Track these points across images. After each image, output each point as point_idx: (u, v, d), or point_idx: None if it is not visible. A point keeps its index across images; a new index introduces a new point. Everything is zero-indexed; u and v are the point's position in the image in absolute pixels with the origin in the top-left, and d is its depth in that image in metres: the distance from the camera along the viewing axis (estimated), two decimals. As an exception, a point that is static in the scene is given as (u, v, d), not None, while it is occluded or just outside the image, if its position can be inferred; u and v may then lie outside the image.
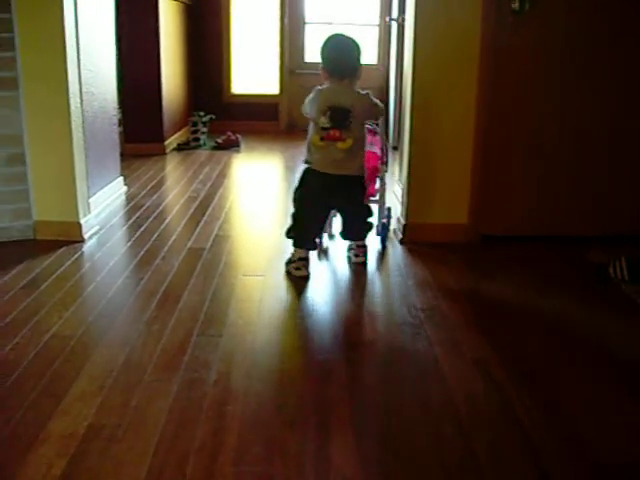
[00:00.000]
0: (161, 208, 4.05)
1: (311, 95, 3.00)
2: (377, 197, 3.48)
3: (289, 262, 3.07)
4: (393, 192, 4.45)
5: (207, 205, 4.12)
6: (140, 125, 5.47)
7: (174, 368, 2.15)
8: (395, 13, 6.17)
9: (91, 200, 3.59)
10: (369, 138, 3.25)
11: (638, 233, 3.46)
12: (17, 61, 3.17)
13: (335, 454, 1.73)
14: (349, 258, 3.24)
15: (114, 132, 4.21)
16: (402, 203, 3.60)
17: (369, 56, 7.18)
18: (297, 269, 3.02)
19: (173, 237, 3.51)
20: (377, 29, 7.18)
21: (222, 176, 5.01)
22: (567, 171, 3.51)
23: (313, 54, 7.19)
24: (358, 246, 3.20)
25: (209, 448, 1.74)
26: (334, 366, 2.20)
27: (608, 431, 1.88)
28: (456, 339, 2.43)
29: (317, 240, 3.26)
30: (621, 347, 2.42)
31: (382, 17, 7.10)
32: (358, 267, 3.15)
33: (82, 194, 3.43)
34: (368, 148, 3.18)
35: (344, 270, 3.13)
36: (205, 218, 3.84)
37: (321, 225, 3.23)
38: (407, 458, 1.74)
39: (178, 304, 2.65)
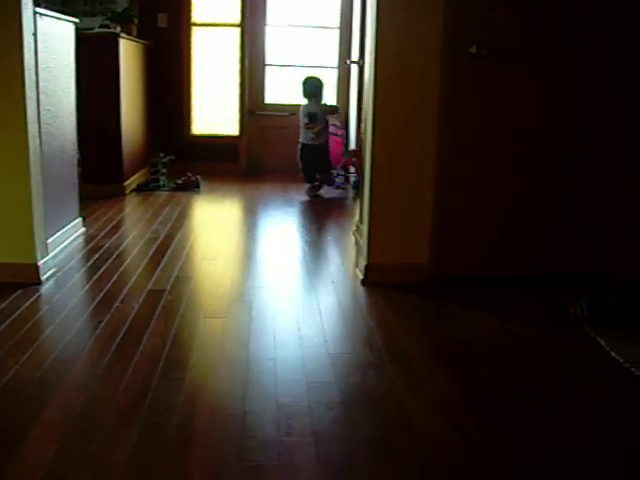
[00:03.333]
0: (120, 249, 4.00)
1: (300, 110, 6.10)
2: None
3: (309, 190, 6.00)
4: (353, 233, 4.47)
5: (167, 246, 4.08)
6: (99, 166, 5.41)
7: (135, 413, 2.11)
8: (355, 56, 6.29)
9: (49, 241, 3.53)
10: (340, 131, 6.39)
11: (595, 272, 3.52)
12: (-25, 101, 3.14)
13: (301, 500, 1.70)
14: (318, 186, 6.02)
15: (73, 172, 4.17)
16: (363, 244, 3.61)
17: (329, 97, 7.25)
18: (311, 194, 5.95)
19: (133, 279, 3.47)
20: (336, 71, 7.25)
21: (182, 217, 4.98)
22: (526, 211, 3.56)
23: (274, 95, 7.24)
24: (315, 185, 6.01)
25: (171, 496, 1.69)
26: (297, 410, 2.17)
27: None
28: (420, 380, 2.43)
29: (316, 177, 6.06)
30: (580, 381, 2.44)
31: (341, 60, 7.19)
32: (321, 309, 3.14)
33: (39, 235, 3.37)
34: (337, 137, 6.32)
35: (305, 312, 3.11)
36: (165, 259, 3.80)
37: (312, 167, 6.03)
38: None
39: (139, 347, 2.60)
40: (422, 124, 3.42)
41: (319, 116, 6.02)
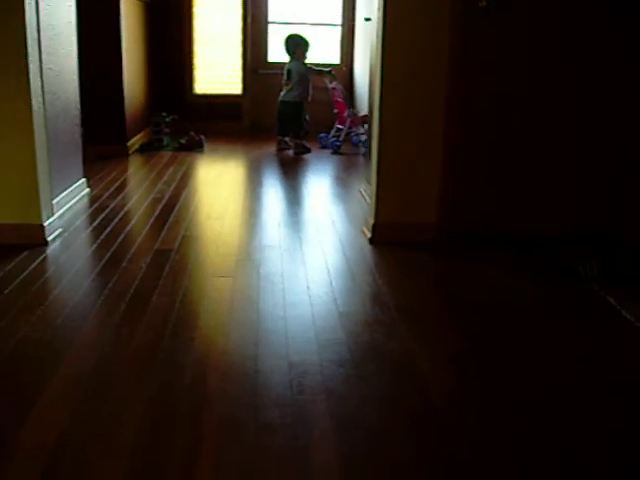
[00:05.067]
0: (126, 209, 3.98)
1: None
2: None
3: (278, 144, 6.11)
4: (360, 191, 4.44)
5: (172, 206, 4.06)
6: (102, 126, 5.37)
7: (146, 372, 2.11)
8: (362, 13, 6.18)
9: (54, 202, 3.51)
10: (339, 93, 6.29)
11: (606, 232, 3.50)
12: (-24, 59, 3.09)
13: (316, 453, 1.70)
14: (285, 142, 6.11)
15: (76, 133, 4.13)
16: (371, 203, 3.58)
17: (332, 56, 7.17)
18: (279, 147, 6.06)
19: (139, 239, 3.45)
20: (339, 29, 7.16)
21: (186, 177, 4.95)
22: (536, 170, 3.53)
23: (276, 54, 7.14)
24: (291, 140, 6.10)
25: (186, 456, 1.69)
26: (309, 368, 2.17)
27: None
28: (429, 335, 2.43)
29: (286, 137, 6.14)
30: (589, 338, 2.44)
31: (345, 17, 7.09)
32: (330, 268, 3.13)
33: (45, 196, 3.35)
34: (338, 99, 6.31)
35: (314, 271, 3.10)
36: (171, 219, 3.78)
37: (284, 122, 6.08)
38: (386, 453, 1.72)
39: (148, 307, 2.59)
40: (431, 82, 3.37)
41: (294, 74, 5.98)
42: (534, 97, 3.46)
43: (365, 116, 6.04)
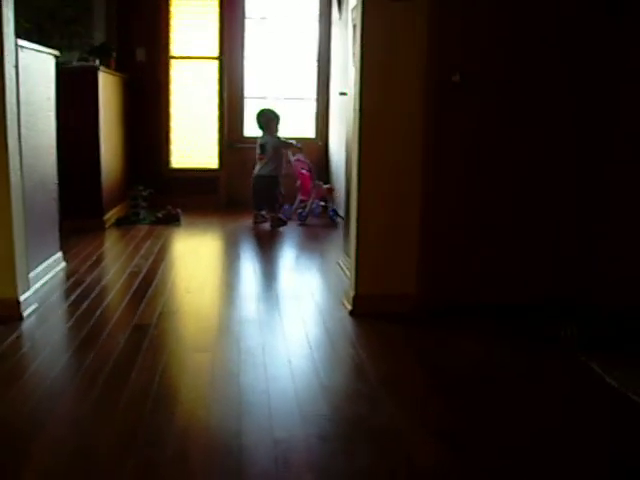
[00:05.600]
0: (103, 284, 3.93)
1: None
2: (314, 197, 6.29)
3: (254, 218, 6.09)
4: (338, 263, 4.44)
5: (150, 280, 4.02)
6: (78, 200, 5.34)
7: (128, 448, 2.04)
8: (337, 88, 6.30)
9: (30, 276, 3.46)
10: (306, 166, 6.34)
11: (585, 298, 3.51)
12: (-45, 134, 3.08)
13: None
14: (262, 216, 6.08)
15: (53, 206, 4.11)
16: (350, 275, 3.58)
17: (307, 130, 7.26)
18: (255, 221, 6.03)
19: (117, 314, 3.40)
20: (314, 104, 7.27)
21: (163, 251, 4.93)
22: (513, 242, 3.56)
23: (252, 128, 7.22)
24: (267, 213, 6.06)
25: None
26: (294, 443, 2.12)
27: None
28: (416, 410, 2.39)
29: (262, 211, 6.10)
30: (578, 407, 2.41)
31: (320, 92, 7.21)
32: (311, 341, 3.10)
33: (21, 270, 3.30)
34: (304, 172, 6.34)
35: (295, 344, 3.07)
36: (149, 294, 3.73)
37: (260, 197, 6.05)
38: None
39: (127, 382, 2.53)
40: (407, 154, 3.42)
41: (268, 148, 6.03)
42: (509, 170, 3.51)
43: (329, 189, 6.44)
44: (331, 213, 6.32)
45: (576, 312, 3.33)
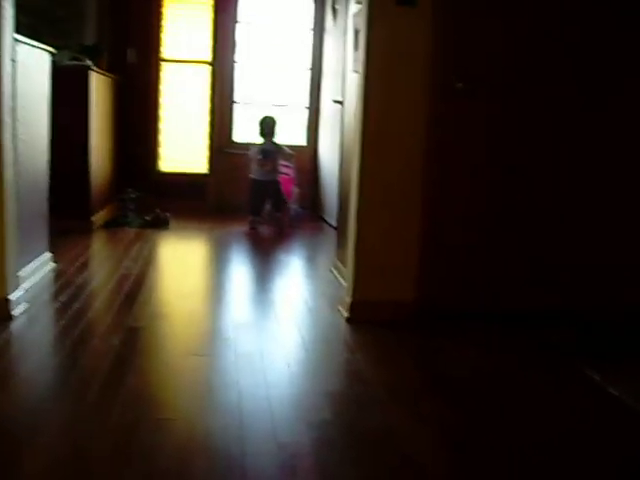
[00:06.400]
0: (93, 285, 3.86)
1: (254, 148, 6.26)
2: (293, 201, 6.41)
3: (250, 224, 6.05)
4: (331, 270, 4.39)
5: (141, 283, 3.94)
6: (66, 200, 5.23)
7: (127, 456, 1.97)
8: (328, 95, 6.28)
9: (19, 275, 3.37)
10: (287, 170, 6.42)
11: (588, 308, 3.49)
12: (-51, 127, 3.00)
13: None
14: (257, 221, 6.09)
15: (44, 205, 4.03)
16: (347, 281, 3.52)
17: (298, 138, 7.22)
18: (252, 226, 6.00)
19: (109, 316, 3.32)
20: (307, 111, 7.23)
21: (153, 254, 4.86)
22: (517, 246, 3.53)
23: (242, 134, 7.17)
24: (277, 214, 6.18)
25: None
26: (299, 449, 2.06)
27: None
28: (419, 415, 2.34)
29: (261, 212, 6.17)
30: (578, 417, 2.38)
31: (312, 99, 7.17)
32: (308, 347, 3.05)
33: (11, 268, 3.21)
34: (288, 176, 6.43)
35: (293, 349, 3.01)
36: (140, 296, 3.66)
37: (261, 201, 6.16)
38: None
39: (122, 386, 2.46)
40: (408, 160, 3.38)
41: (271, 154, 6.20)
42: (512, 176, 3.49)
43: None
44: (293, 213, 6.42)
45: (577, 321, 3.31)
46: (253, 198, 6.16)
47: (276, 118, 6.35)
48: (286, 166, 6.46)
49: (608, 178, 3.53)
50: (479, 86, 3.38)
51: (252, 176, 6.21)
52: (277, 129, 6.31)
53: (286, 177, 6.44)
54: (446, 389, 2.63)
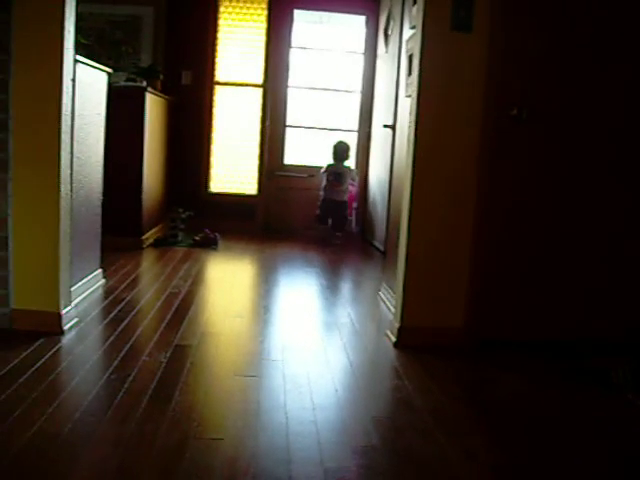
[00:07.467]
0: (142, 303, 3.89)
1: (325, 169, 6.80)
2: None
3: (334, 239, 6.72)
4: (379, 294, 4.36)
5: (190, 302, 3.96)
6: (118, 218, 5.32)
7: (173, 473, 1.97)
8: (379, 120, 6.29)
9: (71, 290, 3.41)
10: (352, 188, 6.89)
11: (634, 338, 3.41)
12: (8, 143, 3.06)
13: None
14: (332, 238, 6.68)
15: (97, 222, 4.09)
16: (396, 306, 3.49)
17: (348, 162, 7.22)
18: (336, 242, 6.66)
19: (157, 333, 3.34)
20: (356, 135, 7.25)
21: (202, 273, 4.88)
22: (567, 276, 3.48)
23: (293, 156, 7.22)
24: (337, 234, 6.71)
25: None
26: (346, 475, 2.03)
27: None
28: (468, 445, 2.29)
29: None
30: (628, 450, 2.30)
31: (362, 123, 7.20)
32: (356, 371, 3.02)
33: (64, 284, 3.26)
34: (353, 191, 6.91)
35: (341, 373, 2.99)
36: (189, 315, 3.68)
37: (330, 217, 6.76)
38: None
39: (171, 403, 2.46)
40: (460, 186, 3.36)
41: (345, 176, 6.73)
42: (565, 204, 3.44)
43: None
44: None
45: (631, 352, 3.22)
46: (325, 214, 6.77)
47: (349, 143, 6.91)
48: (351, 184, 6.92)
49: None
50: (535, 112, 3.35)
51: (325, 195, 6.75)
52: (350, 153, 6.82)
53: (350, 194, 6.89)
54: (493, 419, 2.58)
